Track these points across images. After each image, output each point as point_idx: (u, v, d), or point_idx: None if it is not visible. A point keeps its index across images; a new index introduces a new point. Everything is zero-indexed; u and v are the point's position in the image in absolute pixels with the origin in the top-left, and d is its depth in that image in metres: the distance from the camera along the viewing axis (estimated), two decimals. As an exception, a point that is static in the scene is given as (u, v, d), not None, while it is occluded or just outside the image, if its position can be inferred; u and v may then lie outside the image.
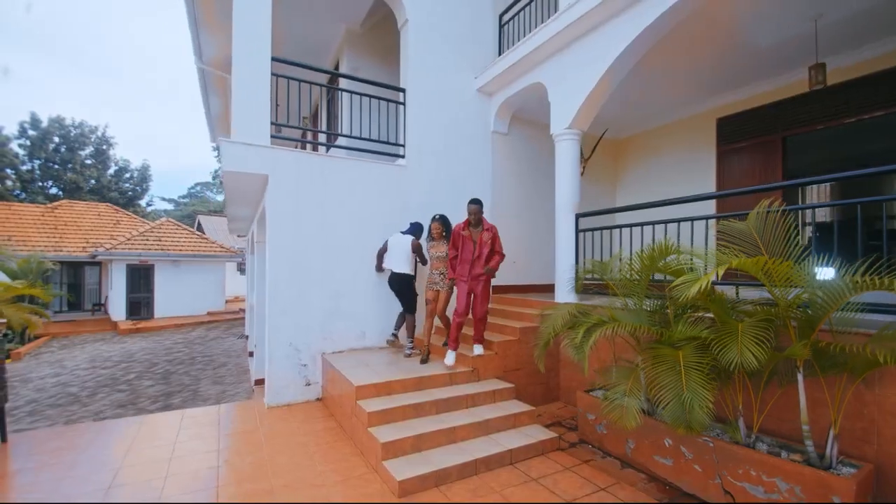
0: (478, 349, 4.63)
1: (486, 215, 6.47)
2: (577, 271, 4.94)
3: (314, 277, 5.19)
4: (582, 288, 4.67)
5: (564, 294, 5.15)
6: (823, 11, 4.28)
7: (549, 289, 7.13)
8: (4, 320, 3.77)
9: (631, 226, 4.61)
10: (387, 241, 5.35)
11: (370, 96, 5.78)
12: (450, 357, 4.47)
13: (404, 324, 5.29)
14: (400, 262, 5.15)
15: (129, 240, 15.62)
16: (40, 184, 27.31)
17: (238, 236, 20.81)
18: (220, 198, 45.03)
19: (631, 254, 3.73)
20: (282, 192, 5.04)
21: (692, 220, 4.02)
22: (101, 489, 3.11)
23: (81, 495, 3.03)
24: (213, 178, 43.69)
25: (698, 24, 4.65)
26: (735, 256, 2.65)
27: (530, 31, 6.33)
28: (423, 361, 4.66)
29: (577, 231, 5.15)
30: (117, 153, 31.25)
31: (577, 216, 5.15)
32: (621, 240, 4.74)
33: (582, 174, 7.33)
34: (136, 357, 10.63)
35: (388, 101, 5.93)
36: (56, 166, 27.73)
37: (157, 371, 9.23)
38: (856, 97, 5.02)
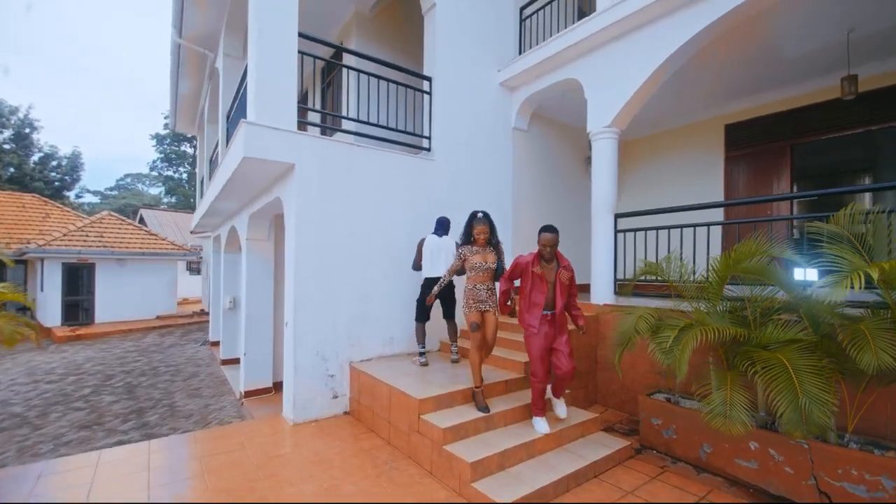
0: (561, 410, 3.75)
1: (507, 215, 6.27)
2: (615, 273, 4.87)
3: (341, 279, 4.72)
4: (629, 290, 4.59)
5: (603, 295, 5.06)
6: (857, 25, 4.50)
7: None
8: None
9: (658, 228, 4.64)
10: (423, 241, 4.89)
11: (386, 79, 5.31)
12: (542, 426, 3.53)
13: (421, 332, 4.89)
14: (444, 266, 4.77)
15: (65, 235, 13.74)
16: (-58, 169, 23.54)
17: (192, 232, 19.15)
18: (154, 191, 41.33)
19: (677, 253, 3.67)
20: (307, 184, 4.53)
21: (733, 223, 4.05)
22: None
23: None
24: (150, 169, 40.06)
25: (734, 30, 4.74)
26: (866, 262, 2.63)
27: (553, 25, 6.26)
28: (484, 410, 3.59)
29: (616, 231, 5.08)
30: (42, 138, 27.61)
31: (616, 216, 5.08)
32: (645, 242, 4.77)
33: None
34: (84, 368, 9.31)
35: (411, 87, 5.52)
36: (-38, 149, 24.04)
37: (117, 384, 8.12)
38: (870, 108, 5.34)
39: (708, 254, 4.06)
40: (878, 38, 4.64)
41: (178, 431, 5.73)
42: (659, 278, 4.10)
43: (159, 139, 38.72)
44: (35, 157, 27.13)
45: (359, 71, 5.13)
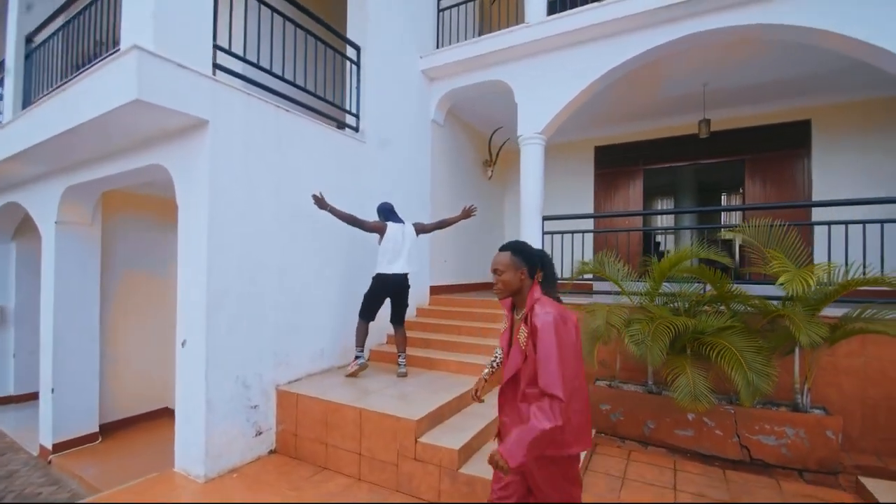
0: None
1: (426, 212, 5.97)
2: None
3: (267, 280, 3.66)
4: (570, 288, 4.90)
5: (532, 293, 5.26)
6: (709, 81, 5.84)
7: (480, 287, 7.21)
8: None
9: (573, 232, 5.27)
10: (385, 226, 4.11)
11: (300, 27, 4.21)
12: None
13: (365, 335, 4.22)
14: (408, 261, 4.14)
15: None
16: None
17: None
18: None
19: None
20: (225, 152, 3.36)
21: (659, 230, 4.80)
22: None
23: None
24: None
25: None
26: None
27: (468, 24, 6.28)
28: None
29: (544, 233, 5.36)
30: None
31: (544, 218, 5.36)
32: (561, 244, 5.31)
33: (490, 178, 7.71)
34: None
35: (326, 44, 4.56)
36: None
37: None
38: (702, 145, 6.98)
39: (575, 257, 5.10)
40: (723, 92, 6.12)
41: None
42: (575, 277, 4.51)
43: None
44: None
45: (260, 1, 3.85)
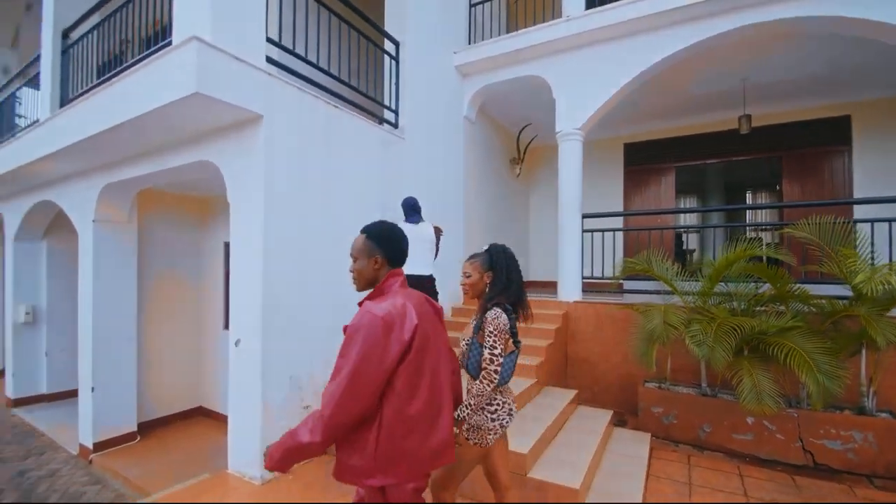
0: None
1: (460, 211, 5.90)
2: (582, 271, 5.06)
3: (319, 281, 3.60)
4: (615, 287, 4.80)
5: (572, 293, 5.17)
6: (748, 76, 5.70)
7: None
8: None
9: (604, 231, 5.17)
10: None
11: (340, 18, 4.06)
12: None
13: None
14: (423, 260, 4.03)
15: None
16: None
17: None
18: None
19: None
20: (280, 149, 3.30)
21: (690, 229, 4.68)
22: None
23: None
24: None
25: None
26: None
27: (499, 21, 6.18)
28: None
29: (583, 231, 5.26)
30: None
31: (584, 216, 5.26)
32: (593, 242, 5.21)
33: (518, 175, 7.61)
34: None
35: (367, 38, 4.48)
36: None
37: None
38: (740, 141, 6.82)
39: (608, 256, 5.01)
40: (761, 87, 5.97)
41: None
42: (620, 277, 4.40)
43: None
44: None
45: None
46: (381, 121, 4.75)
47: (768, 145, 6.76)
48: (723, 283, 4.03)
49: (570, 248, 5.21)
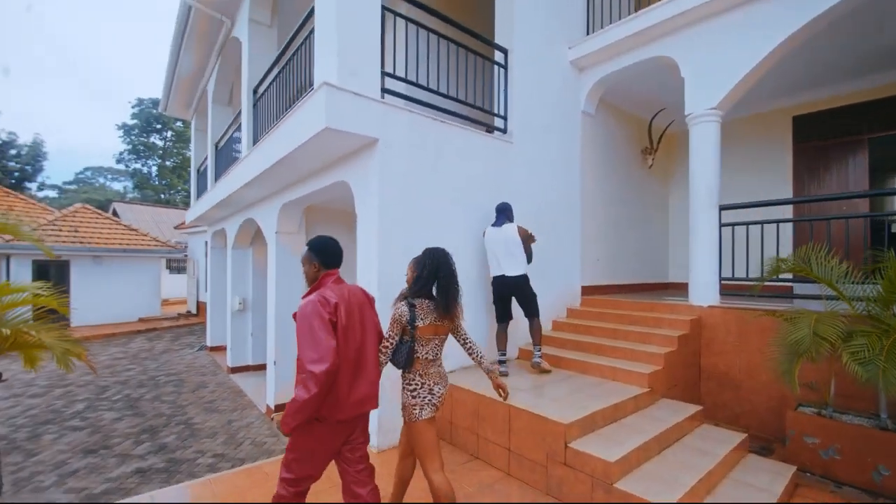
0: None
1: (576, 208, 5.74)
2: (720, 272, 4.41)
3: (426, 277, 4.02)
4: (760, 290, 4.10)
5: (706, 296, 4.56)
6: None
7: (636, 289, 6.63)
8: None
9: (749, 223, 4.28)
10: (484, 236, 4.36)
11: (453, 42, 4.45)
12: None
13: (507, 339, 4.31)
14: (511, 262, 4.15)
15: (34, 230, 12.27)
16: None
17: (177, 228, 17.90)
18: (118, 185, 38.59)
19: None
20: (392, 166, 3.82)
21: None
22: None
23: None
24: (118, 161, 37.44)
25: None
26: None
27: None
28: None
29: (721, 225, 4.59)
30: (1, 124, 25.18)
31: (721, 208, 4.59)
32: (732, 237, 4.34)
33: (651, 166, 6.93)
34: (70, 379, 8.15)
35: (480, 55, 4.76)
36: None
37: (115, 398, 7.08)
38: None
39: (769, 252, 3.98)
40: None
41: (207, 455, 4.90)
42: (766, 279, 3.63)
43: (127, 130, 36.24)
44: (-9, 144, 24.72)
45: (417, 24, 4.14)
46: (492, 129, 4.99)
47: None
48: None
49: (703, 245, 4.61)
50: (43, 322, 2.14)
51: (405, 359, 2.29)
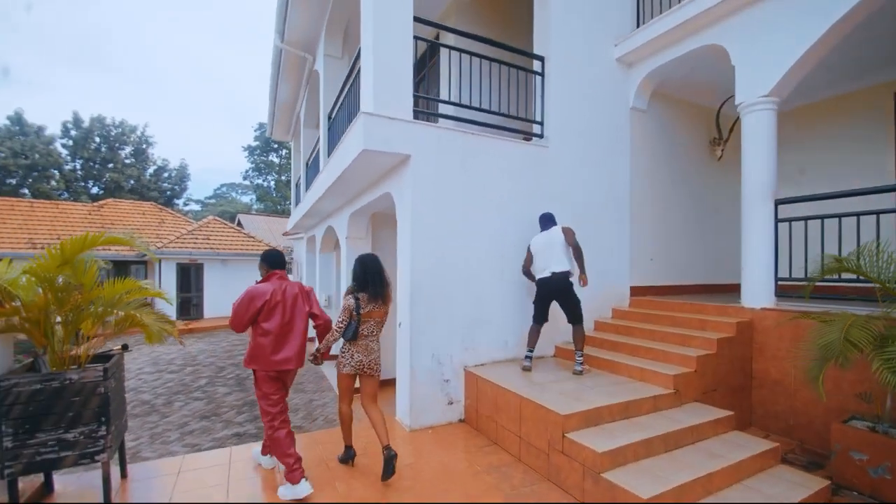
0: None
1: (624, 207, 5.66)
2: (776, 271, 4.07)
3: (456, 279, 4.41)
4: (810, 291, 3.76)
5: (760, 297, 4.26)
6: None
7: (693, 290, 6.26)
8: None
9: (824, 217, 3.81)
10: (529, 248, 4.54)
11: (495, 61, 4.84)
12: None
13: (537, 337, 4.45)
14: (555, 259, 4.29)
15: (178, 238, 15.21)
16: (82, 183, 27.42)
17: (284, 234, 20.36)
18: (245, 198, 44.91)
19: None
20: (423, 177, 4.28)
21: None
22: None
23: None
24: (244, 178, 43.67)
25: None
26: None
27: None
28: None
29: (777, 221, 4.25)
30: (156, 153, 31.52)
31: (777, 203, 4.25)
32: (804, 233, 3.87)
33: (720, 158, 6.45)
34: (199, 360, 10.08)
35: (519, 68, 5.05)
36: (97, 166, 27.82)
37: (228, 376, 8.63)
38: None
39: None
40: None
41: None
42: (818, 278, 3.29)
43: (250, 150, 42.11)
44: (150, 170, 30.67)
45: (461, 51, 4.69)
46: (531, 135, 5.20)
47: None
48: None
49: (756, 242, 4.31)
50: (148, 310, 2.97)
51: (352, 334, 3.19)
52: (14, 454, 2.47)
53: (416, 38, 4.32)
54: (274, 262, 3.24)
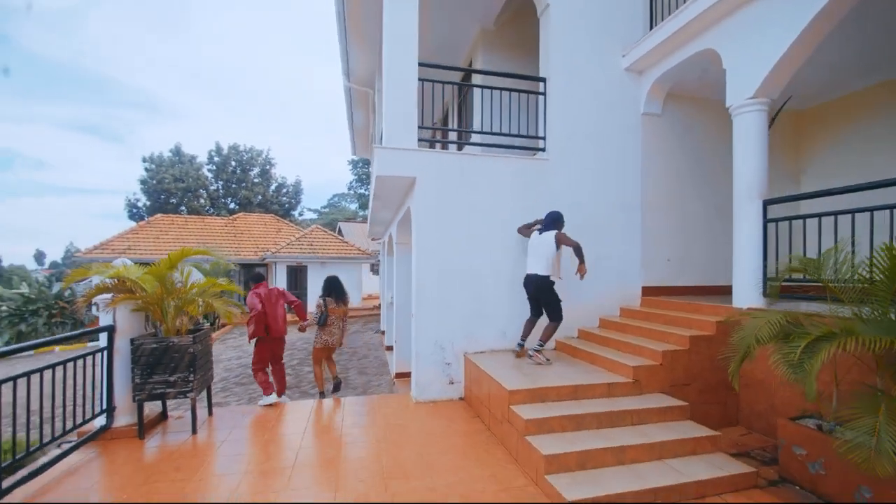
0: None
1: (635, 213, 5.86)
2: (765, 270, 4.10)
3: (458, 278, 5.21)
4: (776, 291, 3.81)
5: (747, 297, 4.31)
6: None
7: (710, 291, 6.16)
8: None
9: (821, 215, 3.67)
10: (528, 242, 5.11)
11: (506, 89, 5.52)
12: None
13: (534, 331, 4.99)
14: (538, 262, 4.82)
15: (288, 245, 18.13)
16: (223, 200, 33.51)
17: (372, 239, 22.61)
18: (353, 206, 49.81)
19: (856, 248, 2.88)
20: (427, 193, 5.17)
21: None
22: (287, 466, 3.47)
23: (274, 470, 3.41)
24: (349, 189, 48.53)
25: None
26: None
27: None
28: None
29: (766, 221, 4.26)
30: (277, 171, 37.24)
31: (765, 203, 4.26)
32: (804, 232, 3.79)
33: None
34: (296, 346, 12.20)
35: (526, 91, 5.68)
36: (233, 185, 33.78)
37: (314, 359, 10.42)
38: None
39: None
40: None
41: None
42: (807, 277, 3.35)
43: (353, 163, 46.77)
44: (272, 187, 36.15)
45: (481, 87, 5.51)
46: (536, 150, 5.75)
47: None
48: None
49: (743, 242, 4.37)
50: (221, 299, 4.36)
51: (323, 321, 5.59)
52: (140, 387, 3.97)
53: (429, 80, 5.23)
54: (255, 279, 5.56)
